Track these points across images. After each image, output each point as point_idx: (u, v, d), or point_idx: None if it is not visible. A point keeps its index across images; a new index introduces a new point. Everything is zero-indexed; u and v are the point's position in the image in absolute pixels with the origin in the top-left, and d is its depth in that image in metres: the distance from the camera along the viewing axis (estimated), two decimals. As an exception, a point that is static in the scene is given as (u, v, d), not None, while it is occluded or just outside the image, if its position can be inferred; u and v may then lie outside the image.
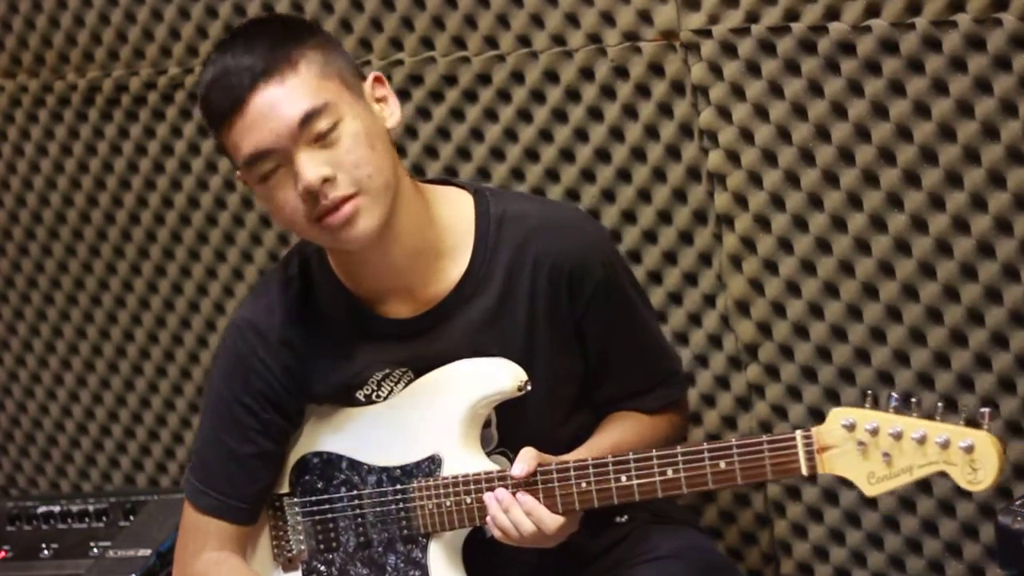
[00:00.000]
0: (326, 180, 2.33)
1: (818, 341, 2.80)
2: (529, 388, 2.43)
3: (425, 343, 2.49)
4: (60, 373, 3.57)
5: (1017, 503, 2.33)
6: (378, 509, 2.52)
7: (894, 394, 2.17)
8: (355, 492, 2.54)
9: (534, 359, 2.46)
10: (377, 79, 2.44)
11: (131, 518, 3.17)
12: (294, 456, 2.59)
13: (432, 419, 2.48)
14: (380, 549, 2.52)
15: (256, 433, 2.55)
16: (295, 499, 2.58)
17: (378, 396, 2.53)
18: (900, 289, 2.70)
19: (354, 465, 2.54)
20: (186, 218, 3.32)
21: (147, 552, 3.03)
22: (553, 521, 2.37)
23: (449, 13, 2.94)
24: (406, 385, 2.52)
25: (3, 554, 3.18)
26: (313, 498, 2.57)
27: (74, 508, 3.23)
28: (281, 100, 2.34)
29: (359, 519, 2.54)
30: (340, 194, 2.34)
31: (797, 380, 2.84)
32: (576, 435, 2.53)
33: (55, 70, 3.34)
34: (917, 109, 2.59)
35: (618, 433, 2.54)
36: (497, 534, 2.41)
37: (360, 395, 2.54)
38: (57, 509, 3.23)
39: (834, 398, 2.81)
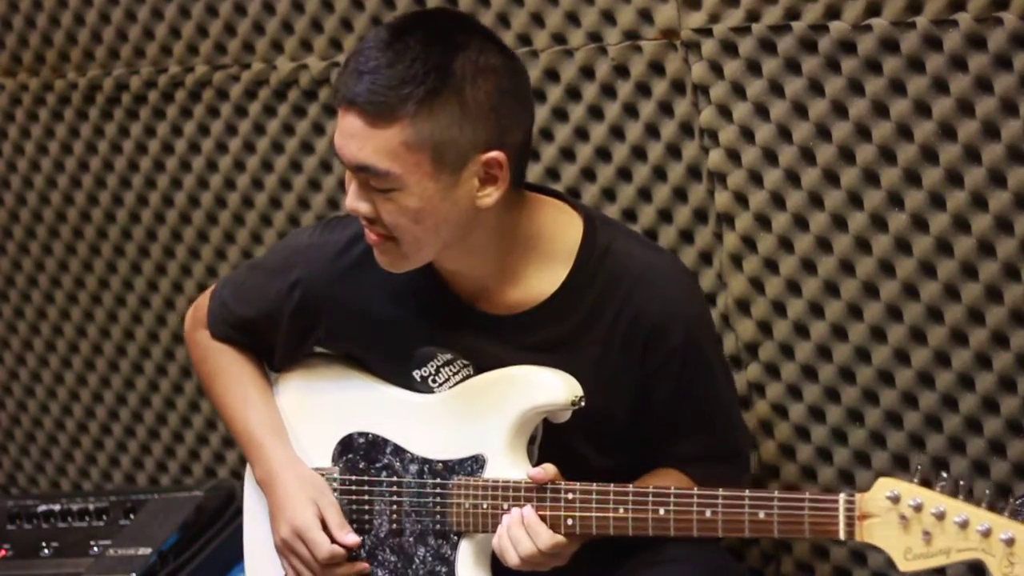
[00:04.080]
0: (364, 216, 2.37)
1: (818, 340, 2.79)
2: (583, 404, 2.41)
3: (495, 345, 2.48)
4: (61, 372, 3.57)
5: (1017, 502, 2.33)
6: (415, 499, 2.51)
7: (944, 474, 2.16)
8: (395, 479, 2.53)
9: (592, 396, 2.43)
10: (494, 162, 2.34)
11: (131, 517, 3.17)
12: (341, 431, 2.59)
13: (482, 419, 2.47)
14: (411, 539, 2.52)
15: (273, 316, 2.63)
16: (335, 476, 2.58)
17: (434, 381, 2.53)
18: (900, 288, 2.70)
19: (399, 451, 2.54)
20: (186, 217, 3.32)
21: (147, 551, 3.03)
22: (550, 538, 2.37)
23: (450, 12, 2.94)
24: (464, 379, 2.51)
25: (3, 553, 3.18)
26: (353, 477, 2.57)
27: (74, 507, 3.23)
28: (355, 137, 2.32)
29: (395, 506, 2.53)
30: (373, 231, 2.39)
31: (797, 379, 2.83)
32: (611, 472, 2.50)
33: (56, 69, 3.34)
34: (917, 108, 2.59)
35: (656, 483, 2.49)
36: (497, 553, 2.42)
37: (417, 375, 2.54)
38: (57, 508, 3.23)
39: (834, 397, 2.81)
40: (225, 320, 2.69)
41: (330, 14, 3.05)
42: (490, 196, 2.36)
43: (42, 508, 3.24)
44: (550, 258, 2.47)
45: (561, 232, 2.48)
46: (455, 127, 2.31)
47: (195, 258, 3.34)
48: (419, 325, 2.52)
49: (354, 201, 2.37)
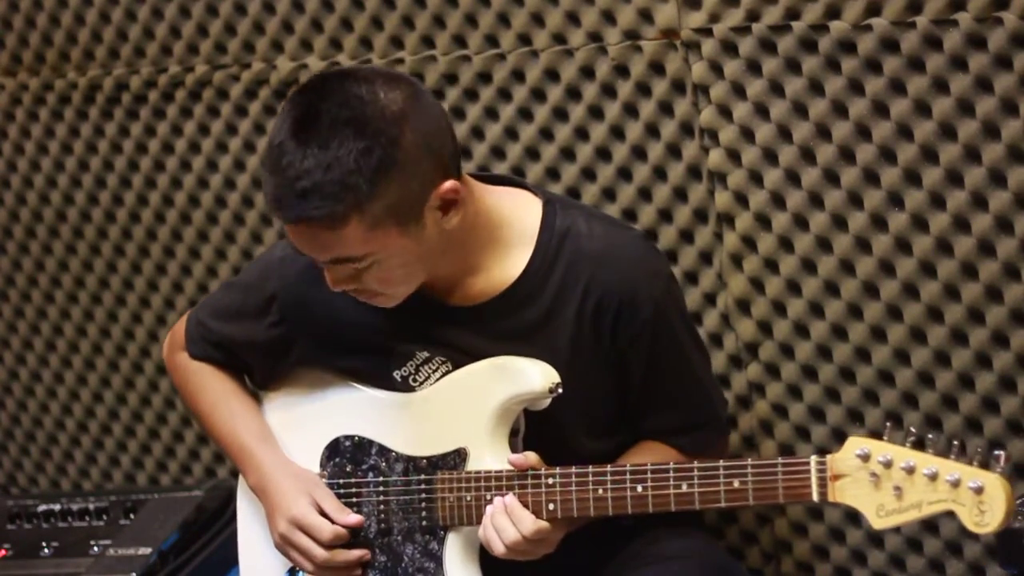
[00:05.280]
0: (353, 289, 2.41)
1: (819, 340, 2.79)
2: (560, 391, 2.42)
3: (468, 336, 2.50)
4: (61, 371, 3.57)
5: (1018, 502, 2.33)
6: (402, 498, 2.52)
7: (912, 428, 2.17)
8: (382, 479, 2.54)
9: (572, 378, 2.44)
10: (449, 189, 2.36)
11: (131, 516, 3.17)
12: (327, 436, 2.60)
13: (462, 413, 2.48)
14: (399, 538, 2.53)
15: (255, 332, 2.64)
16: (325, 480, 2.59)
17: (415, 380, 2.54)
18: (901, 288, 2.70)
19: (383, 451, 2.55)
20: (187, 216, 3.32)
21: (147, 550, 3.03)
22: (533, 524, 2.37)
23: (450, 12, 2.94)
24: (443, 376, 2.52)
25: (4, 552, 3.18)
26: (340, 480, 2.58)
27: (74, 506, 3.22)
28: (315, 244, 2.35)
29: (382, 506, 2.54)
30: (362, 295, 2.42)
31: (797, 379, 2.83)
32: (606, 456, 2.52)
33: (56, 68, 3.34)
34: (918, 108, 2.59)
35: (639, 460, 2.50)
36: (484, 544, 2.42)
37: (397, 375, 2.54)
38: (58, 507, 3.23)
39: (835, 397, 2.81)
40: (204, 339, 2.69)
41: (330, 14, 3.05)
42: (456, 216, 2.39)
43: (42, 508, 3.24)
44: (511, 245, 2.48)
45: (519, 219, 2.49)
46: (404, 187, 2.33)
47: (195, 258, 3.34)
48: (394, 326, 2.53)
49: (339, 285, 2.40)
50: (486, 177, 2.54)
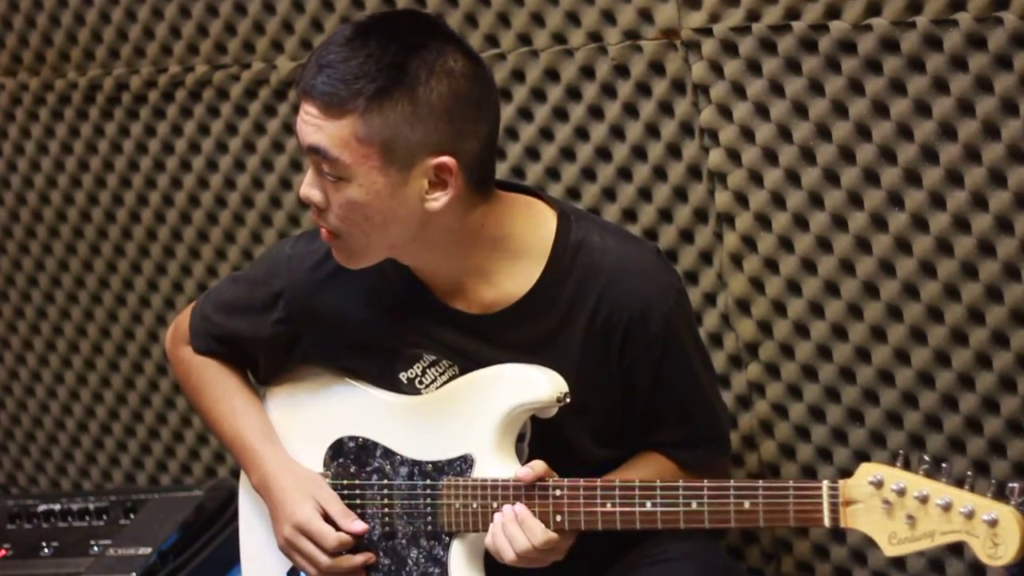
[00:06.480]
0: (315, 204, 2.40)
1: (819, 340, 2.79)
2: (568, 401, 2.42)
3: (477, 344, 2.49)
4: (61, 371, 3.57)
5: (1020, 501, 2.33)
6: (406, 502, 2.51)
7: (926, 456, 2.16)
8: (386, 481, 2.54)
9: (580, 390, 2.44)
10: (444, 167, 2.36)
11: (131, 516, 3.17)
12: (331, 436, 2.60)
13: (469, 419, 2.48)
14: (403, 542, 2.52)
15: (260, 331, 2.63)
16: (328, 480, 2.58)
17: (420, 383, 2.53)
18: (901, 288, 2.70)
19: (388, 454, 2.54)
20: (187, 216, 3.32)
21: (147, 550, 3.03)
22: (544, 534, 2.37)
23: (450, 12, 2.94)
24: (449, 380, 2.52)
25: (3, 552, 3.18)
26: (344, 481, 2.57)
27: (74, 506, 3.23)
28: (310, 124, 2.36)
29: (387, 509, 2.53)
30: (322, 224, 2.42)
31: (797, 379, 2.83)
32: (612, 464, 2.52)
33: (56, 68, 3.34)
34: (918, 108, 2.59)
35: (641, 473, 2.51)
36: (492, 551, 2.42)
37: (403, 377, 2.54)
38: (58, 507, 3.23)
39: (835, 397, 2.81)
40: (208, 333, 2.69)
41: (330, 13, 3.05)
42: (438, 200, 2.38)
43: (42, 508, 3.24)
44: (523, 256, 2.47)
45: (533, 230, 2.48)
46: (405, 125, 2.34)
47: (195, 258, 3.34)
48: (402, 328, 2.53)
49: (307, 188, 2.41)
50: (502, 184, 2.53)
